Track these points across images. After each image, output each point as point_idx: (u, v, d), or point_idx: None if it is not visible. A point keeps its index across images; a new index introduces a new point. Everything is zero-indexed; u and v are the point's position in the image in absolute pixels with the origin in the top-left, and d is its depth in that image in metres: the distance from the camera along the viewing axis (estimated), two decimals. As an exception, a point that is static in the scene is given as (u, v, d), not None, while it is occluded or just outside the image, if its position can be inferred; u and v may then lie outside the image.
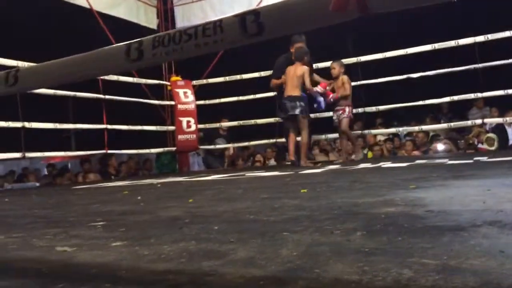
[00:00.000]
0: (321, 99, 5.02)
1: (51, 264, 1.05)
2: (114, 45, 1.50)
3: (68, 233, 1.47)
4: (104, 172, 6.79)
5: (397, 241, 1.05)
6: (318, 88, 5.06)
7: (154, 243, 1.19)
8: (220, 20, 1.35)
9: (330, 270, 0.84)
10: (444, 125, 6.05)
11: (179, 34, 1.39)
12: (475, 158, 3.87)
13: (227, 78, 6.59)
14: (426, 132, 6.44)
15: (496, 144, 5.79)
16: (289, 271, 0.86)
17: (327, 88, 5.12)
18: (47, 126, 5.24)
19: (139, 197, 2.70)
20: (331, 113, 5.41)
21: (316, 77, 5.32)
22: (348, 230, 1.20)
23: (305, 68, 4.84)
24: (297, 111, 4.85)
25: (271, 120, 6.17)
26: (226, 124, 6.93)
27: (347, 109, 5.10)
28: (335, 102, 5.11)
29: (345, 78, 5.10)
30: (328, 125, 5.69)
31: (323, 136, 6.24)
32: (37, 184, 6.35)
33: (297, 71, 4.85)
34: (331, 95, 5.07)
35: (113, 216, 1.89)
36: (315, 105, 5.04)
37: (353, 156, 5.43)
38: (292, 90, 4.89)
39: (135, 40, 1.45)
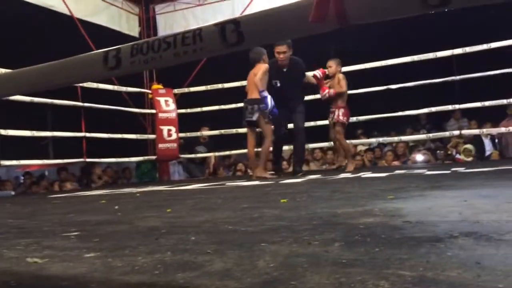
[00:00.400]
0: (267, 100, 4.48)
1: (20, 276, 1.01)
2: (92, 52, 1.47)
3: (41, 244, 1.43)
4: (87, 180, 6.70)
5: (375, 252, 1.04)
6: (316, 72, 4.88)
7: (128, 254, 1.16)
8: (200, 29, 1.34)
9: (306, 282, 0.83)
10: (422, 136, 6.13)
11: (158, 42, 1.37)
12: (453, 169, 3.93)
13: (209, 87, 6.58)
14: (406, 143, 6.52)
15: (473, 155, 5.89)
16: (265, 283, 0.84)
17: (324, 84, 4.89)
18: (24, 133, 5.14)
19: (116, 207, 2.65)
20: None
21: (309, 77, 5.12)
22: (327, 241, 1.19)
23: (262, 66, 4.50)
24: (254, 117, 4.50)
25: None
26: (207, 133, 6.89)
27: (338, 112, 4.90)
28: (330, 100, 4.96)
29: (341, 75, 4.96)
30: (308, 134, 5.70)
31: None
32: (13, 193, 6.20)
33: (254, 71, 4.55)
34: (326, 91, 4.89)
35: (88, 226, 1.85)
36: (261, 105, 4.58)
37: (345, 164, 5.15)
38: (251, 92, 4.58)
39: (113, 48, 1.43)
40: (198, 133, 6.96)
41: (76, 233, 1.62)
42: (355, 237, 1.23)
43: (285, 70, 4.78)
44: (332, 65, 5.00)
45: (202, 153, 7.03)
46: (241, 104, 6.27)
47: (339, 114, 4.92)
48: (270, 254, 1.07)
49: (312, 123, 5.98)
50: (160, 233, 1.51)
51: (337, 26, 1.19)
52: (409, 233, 1.25)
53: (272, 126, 4.72)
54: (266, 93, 4.48)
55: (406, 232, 1.27)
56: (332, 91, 4.90)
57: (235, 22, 1.28)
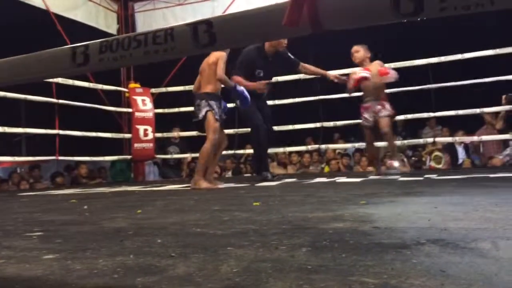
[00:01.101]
0: (245, 93, 3.92)
1: (-29, 279, 0.97)
2: (60, 48, 1.42)
3: (0, 244, 1.37)
4: (73, 179, 6.58)
5: (341, 258, 1.03)
6: (363, 73, 4.15)
7: (89, 256, 1.12)
8: (172, 28, 1.31)
9: (268, 288, 0.81)
10: (397, 142, 6.20)
11: (128, 40, 1.34)
12: (426, 176, 3.98)
13: (187, 87, 6.52)
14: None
15: (443, 161, 5.99)
16: (226, 289, 0.82)
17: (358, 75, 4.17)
18: (-5, 129, 4.99)
19: (85, 206, 2.59)
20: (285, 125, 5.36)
21: (311, 67, 4.60)
22: (294, 246, 1.18)
23: (219, 54, 3.77)
24: (200, 115, 3.84)
25: (230, 131, 6.14)
26: (183, 133, 6.82)
27: (387, 104, 4.27)
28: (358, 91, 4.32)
29: (378, 61, 4.29)
30: (284, 137, 5.69)
31: (281, 149, 6.26)
32: (-19, 190, 6.02)
33: (209, 59, 3.88)
34: (359, 75, 4.14)
35: (53, 226, 1.80)
36: (237, 101, 4.07)
37: (394, 164, 4.40)
38: (204, 86, 3.92)
39: (81, 44, 1.38)
40: (175, 134, 6.89)
41: (39, 233, 1.57)
42: (323, 242, 1.22)
43: (270, 59, 4.31)
44: (359, 49, 4.29)
45: (174, 153, 6.95)
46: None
47: (386, 106, 4.27)
48: (235, 259, 1.05)
49: (290, 127, 5.99)
50: (126, 235, 1.47)
51: (310, 31, 1.18)
52: (377, 239, 1.25)
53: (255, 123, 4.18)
54: (240, 87, 3.94)
55: (374, 238, 1.26)
56: (365, 75, 4.16)
57: (207, 22, 1.26)
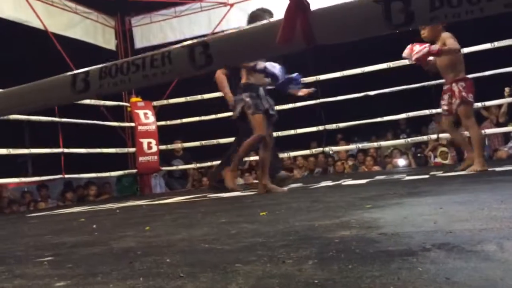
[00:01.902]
0: (274, 69, 3.32)
1: (-14, 312, 0.98)
2: (60, 76, 1.45)
3: (12, 272, 1.39)
4: (79, 197, 6.64)
5: (348, 269, 1.04)
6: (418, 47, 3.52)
7: (100, 281, 1.14)
8: (168, 51, 1.34)
9: (277, 307, 0.83)
10: (401, 141, 6.21)
11: (127, 64, 1.37)
12: (431, 173, 3.98)
13: (188, 98, 6.56)
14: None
15: (449, 157, 5.98)
16: (235, 310, 0.84)
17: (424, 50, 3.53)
18: (0, 151, 5.04)
19: (94, 226, 2.61)
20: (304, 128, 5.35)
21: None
22: (301, 259, 1.19)
23: None
24: (237, 112, 3.56)
25: (233, 139, 6.16)
26: (187, 144, 6.86)
27: (458, 87, 3.63)
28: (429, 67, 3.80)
29: (446, 34, 3.64)
30: (289, 142, 5.69)
31: (285, 154, 6.28)
32: (-10, 213, 6.07)
33: None
34: (422, 46, 3.53)
35: (63, 249, 1.82)
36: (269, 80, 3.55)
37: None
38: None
39: (81, 70, 1.41)
40: (179, 145, 6.92)
41: (49, 258, 1.58)
42: (329, 253, 1.23)
43: None
44: (427, 27, 3.66)
45: (183, 166, 7.00)
46: (222, 115, 6.29)
47: (460, 89, 3.63)
48: (243, 276, 1.07)
49: (292, 132, 6.01)
50: (135, 255, 1.49)
51: (304, 47, 1.20)
52: (383, 246, 1.26)
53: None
54: (263, 64, 3.31)
55: (380, 245, 1.27)
56: (435, 46, 3.55)
57: (203, 44, 1.28)
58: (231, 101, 3.99)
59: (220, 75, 4.05)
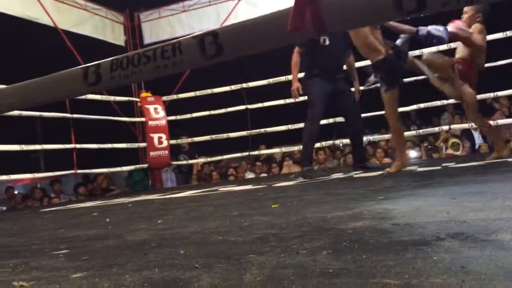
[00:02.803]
0: (439, 32, 3.25)
1: (5, 302, 1.00)
2: (72, 69, 1.46)
3: (29, 264, 1.41)
4: (90, 191, 6.72)
5: (362, 259, 1.04)
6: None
7: (115, 272, 1.15)
8: (179, 42, 1.34)
9: (292, 296, 0.83)
10: (413, 132, 6.16)
11: (138, 56, 1.37)
12: (443, 164, 3.95)
13: (198, 93, 6.57)
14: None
15: (461, 148, 5.93)
16: (251, 299, 0.84)
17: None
18: (13, 148, 5.10)
19: (107, 219, 2.63)
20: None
21: (353, 70, 4.20)
22: (314, 249, 1.19)
23: None
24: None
25: (244, 133, 6.17)
26: (198, 139, 6.87)
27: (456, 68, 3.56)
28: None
29: (478, 26, 3.51)
30: (299, 136, 5.67)
31: (296, 148, 6.27)
32: (4, 208, 6.16)
33: None
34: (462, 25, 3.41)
35: (77, 242, 1.84)
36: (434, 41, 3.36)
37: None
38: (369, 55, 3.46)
39: (92, 63, 1.42)
40: (188, 140, 6.95)
41: (65, 251, 1.60)
42: (343, 243, 1.23)
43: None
44: (469, 11, 3.54)
45: (185, 160, 7.03)
46: (231, 109, 6.29)
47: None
48: (258, 266, 1.07)
49: (302, 125, 5.98)
50: (150, 247, 1.50)
51: (315, 34, 1.20)
52: (397, 236, 1.25)
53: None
54: (426, 29, 3.27)
55: (394, 235, 1.27)
56: (466, 31, 3.43)
57: (213, 34, 1.28)
58: (294, 87, 3.97)
59: (294, 54, 3.81)
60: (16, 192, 7.97)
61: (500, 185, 2.13)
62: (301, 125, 5.93)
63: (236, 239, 1.49)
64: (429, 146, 6.41)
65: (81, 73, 1.40)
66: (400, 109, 5.68)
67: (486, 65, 5.18)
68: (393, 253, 1.07)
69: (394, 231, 1.33)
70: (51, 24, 6.11)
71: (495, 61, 5.16)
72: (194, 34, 1.26)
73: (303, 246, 1.24)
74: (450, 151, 6.00)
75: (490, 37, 5.09)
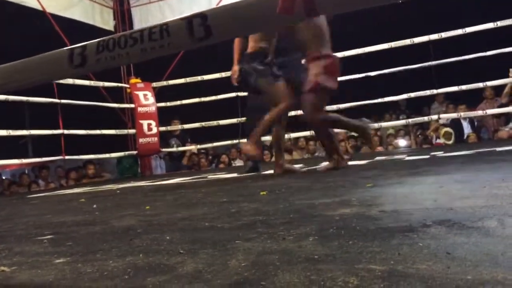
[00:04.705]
0: None
1: (-15, 288, 0.98)
2: (57, 50, 1.43)
3: (12, 250, 1.39)
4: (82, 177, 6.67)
5: (348, 245, 1.04)
6: None
7: (99, 258, 1.14)
8: (167, 24, 1.31)
9: (276, 282, 0.82)
10: (402, 122, 6.18)
11: (124, 38, 1.34)
12: (432, 153, 3.97)
13: (188, 80, 6.52)
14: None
15: (453, 138, 5.97)
16: (235, 285, 0.83)
17: None
18: (0, 133, 5.03)
19: (95, 206, 2.61)
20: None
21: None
22: (301, 235, 1.18)
23: None
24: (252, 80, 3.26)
25: (234, 120, 6.14)
26: (188, 126, 6.83)
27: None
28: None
29: None
30: (289, 124, 5.66)
31: (285, 136, 6.25)
32: (-9, 194, 6.09)
33: None
34: None
35: (63, 228, 1.82)
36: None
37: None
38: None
39: (78, 45, 1.39)
40: (178, 126, 6.90)
41: (49, 237, 1.58)
42: (329, 230, 1.22)
43: None
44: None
45: (175, 146, 7.00)
46: (221, 96, 6.25)
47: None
48: (243, 252, 1.06)
49: (293, 113, 5.97)
50: (136, 233, 1.48)
51: (304, 17, 1.18)
52: (383, 223, 1.25)
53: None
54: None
55: (380, 222, 1.27)
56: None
57: (202, 16, 1.25)
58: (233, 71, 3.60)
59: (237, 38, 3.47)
60: (3, 178, 7.90)
61: (487, 174, 2.14)
62: (292, 113, 5.93)
63: (223, 225, 1.48)
64: (419, 135, 6.44)
65: (67, 55, 1.36)
66: (390, 98, 5.72)
67: (477, 54, 5.21)
68: (379, 240, 1.06)
69: (381, 218, 1.32)
70: (39, 7, 6.00)
71: (486, 51, 5.18)
72: (182, 16, 1.22)
73: (290, 233, 1.24)
74: (442, 140, 6.03)
75: (480, 27, 5.10)
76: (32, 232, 1.76)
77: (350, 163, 3.94)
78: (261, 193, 2.30)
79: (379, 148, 6.38)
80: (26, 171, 8.47)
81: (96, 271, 1.01)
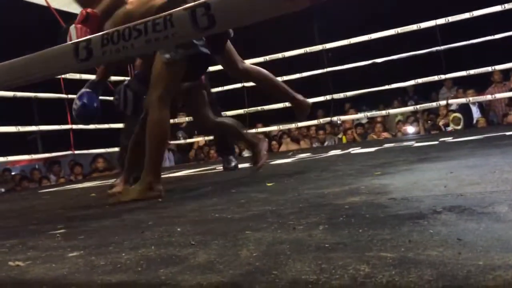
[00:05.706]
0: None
1: (0, 282, 1.00)
2: (62, 45, 1.43)
3: (26, 245, 1.41)
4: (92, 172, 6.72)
5: (358, 234, 1.04)
6: None
7: (112, 251, 1.15)
8: (170, 14, 1.30)
9: (288, 271, 0.83)
10: (410, 108, 6.15)
11: (129, 30, 1.34)
12: (441, 139, 3.94)
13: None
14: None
15: (462, 123, 5.93)
16: (247, 274, 0.84)
17: None
18: (9, 129, 5.07)
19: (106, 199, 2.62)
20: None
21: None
22: (311, 225, 1.19)
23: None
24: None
25: (241, 111, 6.14)
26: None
27: None
28: None
29: None
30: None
31: (293, 125, 6.25)
32: (3, 190, 6.16)
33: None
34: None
35: (75, 222, 1.84)
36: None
37: None
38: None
39: (83, 39, 1.39)
40: (186, 119, 6.91)
41: (62, 231, 1.60)
42: (339, 218, 1.23)
43: None
44: None
45: (182, 138, 7.02)
46: (228, 87, 6.24)
47: None
48: (254, 242, 1.07)
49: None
50: (147, 226, 1.50)
51: (308, 4, 1.17)
52: (393, 211, 1.25)
53: None
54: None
55: (390, 210, 1.27)
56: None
57: (205, 5, 1.25)
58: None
59: None
60: (13, 173, 7.98)
61: (497, 159, 2.12)
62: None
63: (233, 216, 1.49)
64: (430, 122, 6.40)
65: (72, 49, 1.37)
66: (398, 85, 5.68)
67: (484, 38, 5.14)
68: (389, 227, 1.06)
69: (390, 206, 1.32)
70: (43, 3, 6.00)
71: (493, 34, 5.11)
72: (185, 6, 1.22)
73: (300, 222, 1.24)
74: (451, 125, 5.99)
75: (488, 10, 5.04)
76: (44, 227, 1.78)
77: (358, 151, 3.93)
78: (268, 184, 2.30)
79: (385, 134, 6.35)
80: (37, 166, 8.56)
81: (110, 263, 1.02)
